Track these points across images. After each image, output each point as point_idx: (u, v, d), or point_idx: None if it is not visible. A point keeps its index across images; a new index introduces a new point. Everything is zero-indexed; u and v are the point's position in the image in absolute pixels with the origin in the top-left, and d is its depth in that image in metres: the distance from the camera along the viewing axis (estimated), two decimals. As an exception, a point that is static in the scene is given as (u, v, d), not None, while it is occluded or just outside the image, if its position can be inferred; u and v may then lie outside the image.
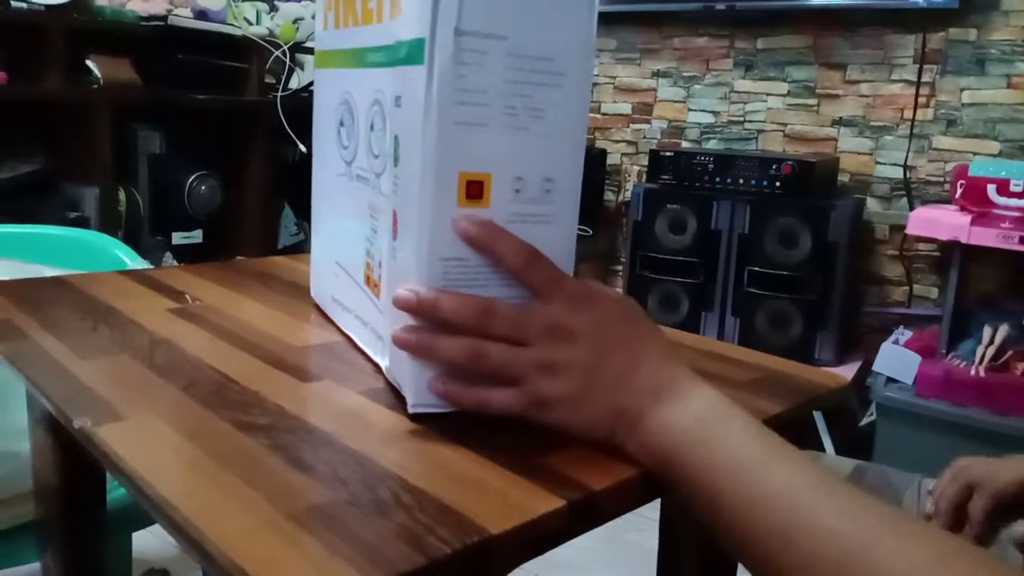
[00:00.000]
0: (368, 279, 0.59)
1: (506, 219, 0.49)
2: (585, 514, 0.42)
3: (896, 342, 1.94)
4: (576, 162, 0.51)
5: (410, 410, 0.50)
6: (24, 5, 1.95)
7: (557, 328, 0.47)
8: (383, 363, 0.56)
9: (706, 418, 0.45)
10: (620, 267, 2.70)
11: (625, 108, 2.68)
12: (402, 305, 0.48)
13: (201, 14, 2.35)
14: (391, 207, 0.53)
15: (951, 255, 1.90)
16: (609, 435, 0.47)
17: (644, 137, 2.65)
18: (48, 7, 2.00)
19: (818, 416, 2.02)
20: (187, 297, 0.76)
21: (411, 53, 0.48)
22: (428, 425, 0.49)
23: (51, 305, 0.71)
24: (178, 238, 2.30)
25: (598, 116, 2.72)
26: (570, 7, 0.49)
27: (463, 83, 0.47)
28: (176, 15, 2.29)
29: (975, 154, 2.11)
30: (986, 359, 1.76)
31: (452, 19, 0.46)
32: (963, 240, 1.75)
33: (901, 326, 2.13)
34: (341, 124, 0.65)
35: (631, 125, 2.68)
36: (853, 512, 0.39)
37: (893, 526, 0.38)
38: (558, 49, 0.49)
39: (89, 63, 2.10)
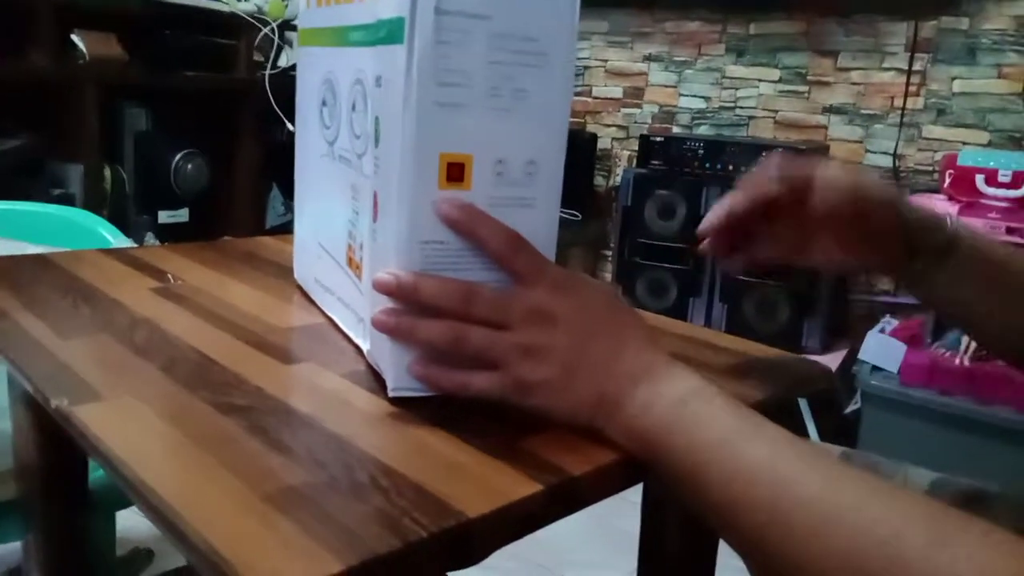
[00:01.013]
0: (350, 261, 0.59)
1: (487, 202, 0.49)
2: (564, 498, 0.42)
3: (882, 331, 1.95)
4: (559, 145, 0.51)
5: (390, 393, 0.50)
6: (8, -21, 1.92)
7: (539, 312, 0.47)
8: (364, 346, 0.55)
9: (686, 400, 0.45)
10: (609, 252, 2.70)
11: (616, 92, 2.67)
12: (382, 288, 0.47)
13: (189, -10, 2.32)
14: (372, 188, 0.52)
15: (938, 244, 1.91)
16: (590, 420, 0.47)
17: (635, 122, 2.65)
18: (33, -19, 1.97)
19: (803, 403, 2.03)
20: (170, 277, 0.75)
21: (391, 32, 0.48)
22: (408, 408, 0.49)
23: (32, 283, 0.70)
24: (164, 217, 2.28)
25: (589, 100, 2.71)
26: None
27: (444, 63, 0.46)
28: (164, -9, 2.26)
29: (965, 144, 2.11)
30: (971, 349, 1.78)
31: None
32: (950, 229, 1.75)
33: (888, 315, 2.14)
34: (324, 104, 0.64)
35: (622, 109, 2.67)
36: (836, 481, 0.40)
37: (877, 493, 0.39)
38: (542, 30, 0.49)
39: (74, 38, 2.07)
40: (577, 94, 2.71)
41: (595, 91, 2.70)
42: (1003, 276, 0.62)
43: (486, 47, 0.47)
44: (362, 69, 0.55)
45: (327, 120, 0.64)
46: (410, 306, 0.48)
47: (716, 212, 0.61)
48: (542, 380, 0.47)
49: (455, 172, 0.48)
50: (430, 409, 0.48)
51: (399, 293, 0.47)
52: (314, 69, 0.67)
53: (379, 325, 0.48)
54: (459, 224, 0.47)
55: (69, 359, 0.53)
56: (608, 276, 2.72)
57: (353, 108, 0.57)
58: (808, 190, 0.59)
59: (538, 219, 0.51)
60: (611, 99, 2.68)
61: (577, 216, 2.50)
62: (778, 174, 0.59)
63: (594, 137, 2.67)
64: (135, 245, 1.03)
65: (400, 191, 0.48)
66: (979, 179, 1.80)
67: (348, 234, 0.59)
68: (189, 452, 0.42)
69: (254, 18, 2.41)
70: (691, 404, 0.45)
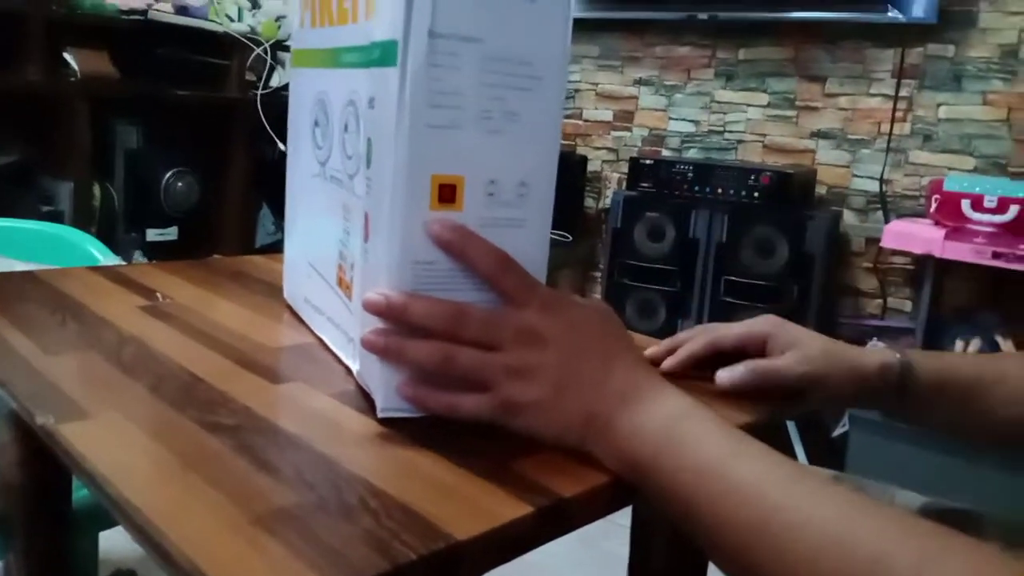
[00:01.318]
0: (340, 281, 0.59)
1: (479, 223, 0.49)
2: (553, 520, 0.42)
3: (869, 353, 1.96)
4: (550, 166, 0.51)
5: (379, 414, 0.50)
6: (2, -4, 1.93)
7: (528, 333, 0.47)
8: (354, 366, 0.55)
9: (674, 420, 0.45)
10: (599, 273, 2.71)
11: (606, 115, 2.69)
12: (372, 308, 0.47)
13: (182, 9, 2.33)
14: (364, 209, 0.52)
15: (925, 268, 1.92)
16: (579, 441, 0.47)
17: (625, 145, 2.66)
18: (26, -2, 1.97)
19: (791, 426, 2.04)
20: (158, 295, 0.75)
21: (385, 54, 0.48)
22: (398, 429, 0.49)
23: (19, 300, 0.70)
24: (153, 235, 2.28)
25: (579, 122, 2.73)
26: (545, 10, 0.49)
27: (437, 85, 0.47)
28: (156, 9, 2.27)
29: (951, 169, 2.13)
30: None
31: (426, 21, 0.46)
32: (936, 254, 1.77)
33: (875, 338, 2.15)
34: (316, 124, 0.64)
35: (612, 132, 2.69)
36: (825, 500, 0.40)
37: (865, 512, 0.39)
38: (533, 52, 0.49)
39: (67, 56, 2.08)
40: (568, 117, 2.73)
41: (586, 114, 2.72)
42: (968, 395, 0.63)
43: (478, 70, 0.47)
44: (355, 90, 0.55)
45: (319, 140, 0.64)
46: (400, 326, 0.48)
47: (676, 358, 0.64)
48: (531, 401, 0.47)
49: (447, 193, 0.48)
50: (420, 429, 0.48)
51: (388, 313, 0.47)
52: (306, 89, 0.67)
53: (368, 345, 0.48)
54: (450, 245, 0.48)
55: (55, 377, 0.53)
56: (597, 297, 2.72)
57: (346, 129, 0.57)
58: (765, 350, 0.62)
59: (529, 239, 0.51)
60: (601, 122, 2.70)
61: (567, 237, 2.51)
62: (734, 342, 0.63)
63: (584, 159, 2.68)
64: (123, 263, 1.02)
65: (392, 212, 0.48)
66: (965, 204, 1.82)
67: (339, 254, 0.59)
68: (175, 471, 0.41)
69: (247, 38, 2.42)
70: (679, 425, 0.45)
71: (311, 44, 0.66)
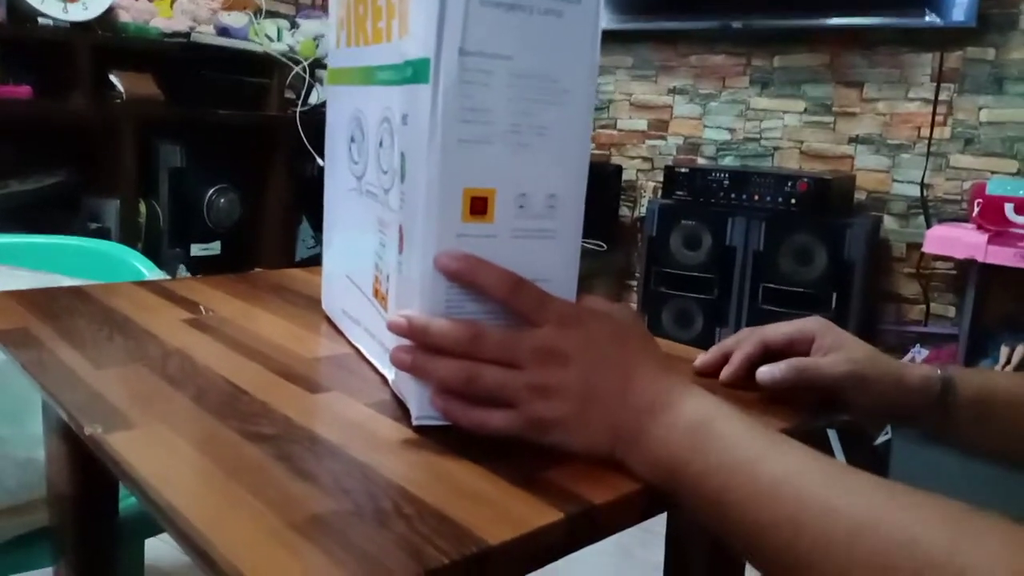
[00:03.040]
0: (376, 292, 0.60)
1: (510, 234, 0.50)
2: (584, 528, 0.43)
3: (913, 361, 1.93)
4: (579, 178, 0.52)
5: (414, 423, 0.51)
6: (50, 22, 2.00)
7: (547, 351, 0.48)
8: (389, 375, 0.56)
9: (701, 424, 0.45)
10: (635, 282, 2.70)
11: (641, 124, 2.69)
12: (395, 330, 0.49)
13: (224, 31, 2.39)
14: (398, 222, 0.53)
15: (968, 274, 1.89)
16: (609, 452, 0.47)
17: (660, 153, 2.66)
18: (73, 24, 2.04)
19: (832, 435, 2.01)
20: (201, 308, 0.77)
21: (417, 72, 0.49)
22: (432, 437, 0.50)
23: (68, 315, 0.72)
24: (196, 250, 2.33)
25: (614, 132, 2.73)
26: (573, 27, 0.50)
27: (468, 102, 0.48)
28: (199, 32, 2.33)
29: (993, 172, 2.09)
30: (1004, 379, 1.74)
31: (457, 40, 0.47)
32: (979, 259, 1.74)
33: (918, 344, 2.11)
34: (352, 140, 0.66)
35: (647, 141, 2.68)
36: (858, 490, 0.40)
37: (899, 498, 0.39)
38: (561, 67, 0.50)
39: (113, 79, 2.14)
40: (602, 126, 2.74)
41: (620, 124, 2.72)
42: (1011, 413, 0.62)
43: (508, 85, 0.48)
44: (389, 107, 0.56)
45: (355, 156, 0.65)
46: (423, 346, 0.49)
47: (732, 365, 0.64)
48: (557, 418, 0.47)
49: (479, 206, 0.49)
50: (453, 437, 0.49)
51: (411, 335, 0.48)
52: (343, 107, 0.69)
53: (396, 361, 0.49)
54: (459, 274, 0.48)
55: (103, 388, 0.55)
56: (634, 306, 2.71)
57: (380, 144, 0.59)
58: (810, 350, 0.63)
59: (559, 251, 0.52)
60: (636, 131, 2.70)
61: (603, 247, 2.51)
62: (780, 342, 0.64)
63: (619, 169, 2.69)
64: (168, 277, 1.05)
65: (426, 224, 0.49)
66: (1008, 208, 1.78)
67: (374, 266, 0.60)
68: (219, 479, 0.43)
69: (286, 57, 2.48)
70: (706, 428, 0.45)
71: (346, 63, 0.68)
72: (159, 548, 1.01)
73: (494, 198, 0.50)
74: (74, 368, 0.58)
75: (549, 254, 0.51)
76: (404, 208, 0.52)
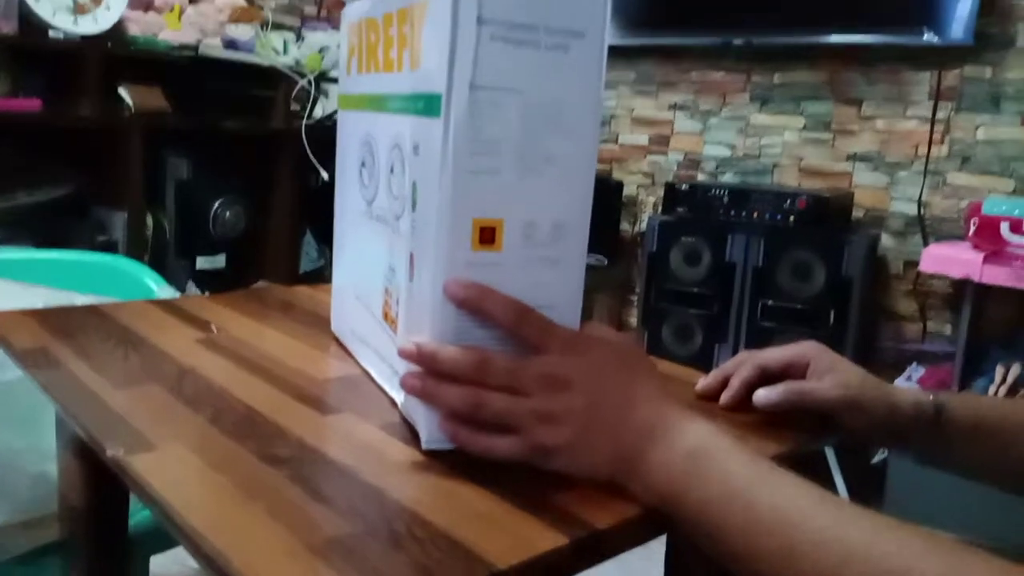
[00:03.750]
0: (386, 315, 0.62)
1: (517, 262, 0.52)
2: (588, 551, 0.44)
3: (910, 379, 1.94)
4: (584, 206, 0.54)
5: (424, 447, 0.52)
6: (61, 35, 2.02)
7: (551, 378, 0.50)
8: (398, 398, 0.58)
9: (698, 453, 0.47)
10: (635, 297, 2.72)
11: (642, 140, 2.71)
12: (405, 356, 0.51)
13: (231, 44, 2.42)
14: (408, 249, 0.55)
15: (964, 292, 1.91)
16: (610, 477, 0.49)
17: (660, 169, 2.68)
18: (84, 37, 2.07)
19: (830, 453, 2.02)
20: (213, 327, 0.79)
21: (429, 106, 0.51)
22: (441, 460, 0.51)
23: (84, 334, 0.74)
24: (202, 262, 2.35)
25: (615, 147, 2.76)
26: (579, 60, 0.51)
27: (477, 135, 0.49)
28: (207, 44, 2.35)
29: (990, 191, 2.12)
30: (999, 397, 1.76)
31: (468, 75, 0.49)
32: (975, 279, 1.76)
33: (915, 362, 2.13)
34: (363, 164, 0.68)
35: (648, 157, 2.71)
36: (850, 519, 0.42)
37: (891, 530, 0.41)
38: (568, 99, 0.52)
39: (121, 91, 2.16)
40: (603, 142, 2.76)
41: (621, 139, 2.75)
42: (1000, 438, 0.64)
43: (516, 118, 0.50)
44: (400, 134, 0.58)
45: (366, 180, 0.67)
46: (432, 373, 0.51)
47: (731, 390, 0.66)
48: (561, 444, 0.49)
49: (487, 235, 0.51)
50: (462, 461, 0.51)
51: (420, 361, 0.50)
52: (354, 131, 0.71)
53: (407, 387, 0.51)
54: (467, 302, 0.50)
55: (122, 409, 0.57)
56: (634, 321, 2.73)
57: (391, 171, 0.61)
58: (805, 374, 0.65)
59: (565, 277, 0.54)
60: (637, 147, 2.73)
61: (603, 261, 2.53)
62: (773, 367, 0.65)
63: (620, 184, 2.71)
64: (178, 293, 1.07)
65: (436, 253, 0.51)
66: (1004, 227, 1.80)
67: (384, 289, 0.62)
68: (238, 501, 0.45)
69: (292, 70, 2.50)
70: (704, 457, 0.47)
71: (358, 89, 0.70)
72: (164, 564, 1.02)
73: (502, 227, 0.52)
74: (94, 389, 0.60)
75: (554, 281, 0.53)
76: (415, 236, 0.54)
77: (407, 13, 0.56)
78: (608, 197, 2.63)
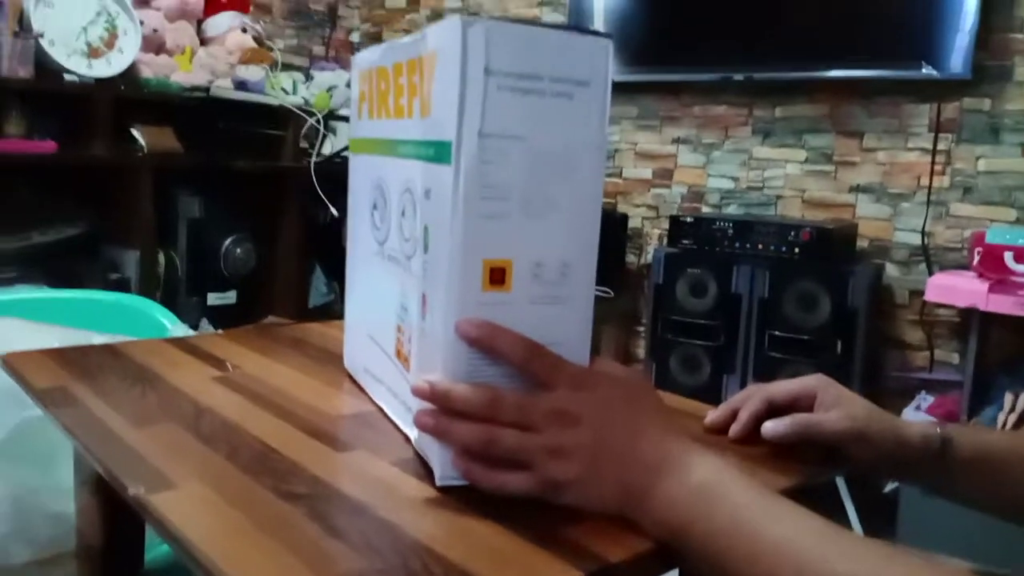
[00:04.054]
0: (399, 353, 0.63)
1: (526, 301, 0.53)
2: (601, 585, 0.45)
3: (918, 408, 1.94)
4: (590, 246, 0.55)
5: (438, 483, 0.53)
6: (76, 78, 2.07)
7: (561, 413, 0.51)
8: (412, 435, 0.59)
9: (705, 487, 0.48)
10: (642, 328, 2.73)
11: (646, 173, 2.74)
12: (418, 394, 0.52)
13: (241, 84, 2.46)
14: (420, 289, 0.57)
15: (971, 321, 1.91)
16: (619, 511, 0.50)
17: (665, 201, 2.71)
18: (98, 80, 2.11)
19: (840, 483, 2.01)
20: (228, 365, 0.80)
21: (439, 153, 0.53)
22: (455, 496, 0.52)
23: (102, 373, 0.76)
24: (213, 299, 2.38)
25: (619, 181, 2.79)
26: (583, 106, 0.53)
27: (487, 180, 0.51)
28: (218, 86, 2.40)
29: (992, 221, 2.13)
30: (1008, 426, 1.76)
31: (476, 123, 0.51)
32: (981, 307, 1.76)
33: (923, 391, 2.12)
34: (375, 207, 0.70)
35: (652, 190, 2.73)
36: (856, 552, 0.43)
37: (896, 560, 0.42)
38: (573, 144, 0.53)
39: (134, 132, 2.20)
40: (608, 175, 2.79)
41: (625, 172, 2.78)
42: (1005, 471, 0.66)
43: (523, 164, 0.52)
44: (411, 179, 0.60)
45: (378, 222, 0.69)
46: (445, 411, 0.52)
47: (740, 423, 0.67)
48: (571, 479, 0.50)
49: (497, 276, 0.53)
50: (475, 496, 0.52)
51: (433, 399, 0.52)
52: (365, 174, 0.73)
53: (419, 424, 0.52)
54: (479, 341, 0.52)
55: (141, 447, 0.58)
56: (641, 352, 2.74)
57: (403, 214, 0.62)
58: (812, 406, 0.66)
59: (572, 314, 0.55)
60: (641, 180, 2.75)
61: (609, 293, 2.55)
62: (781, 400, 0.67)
63: (625, 217, 2.73)
64: (191, 331, 1.09)
65: (448, 294, 0.52)
66: (1008, 256, 1.82)
67: (397, 327, 0.63)
68: (258, 538, 0.46)
69: (301, 110, 2.54)
70: (711, 491, 0.48)
71: (369, 134, 0.72)
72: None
73: (511, 268, 0.53)
74: (112, 427, 0.62)
75: (563, 318, 0.55)
76: (427, 277, 0.56)
77: (416, 63, 0.59)
78: (613, 230, 2.65)
